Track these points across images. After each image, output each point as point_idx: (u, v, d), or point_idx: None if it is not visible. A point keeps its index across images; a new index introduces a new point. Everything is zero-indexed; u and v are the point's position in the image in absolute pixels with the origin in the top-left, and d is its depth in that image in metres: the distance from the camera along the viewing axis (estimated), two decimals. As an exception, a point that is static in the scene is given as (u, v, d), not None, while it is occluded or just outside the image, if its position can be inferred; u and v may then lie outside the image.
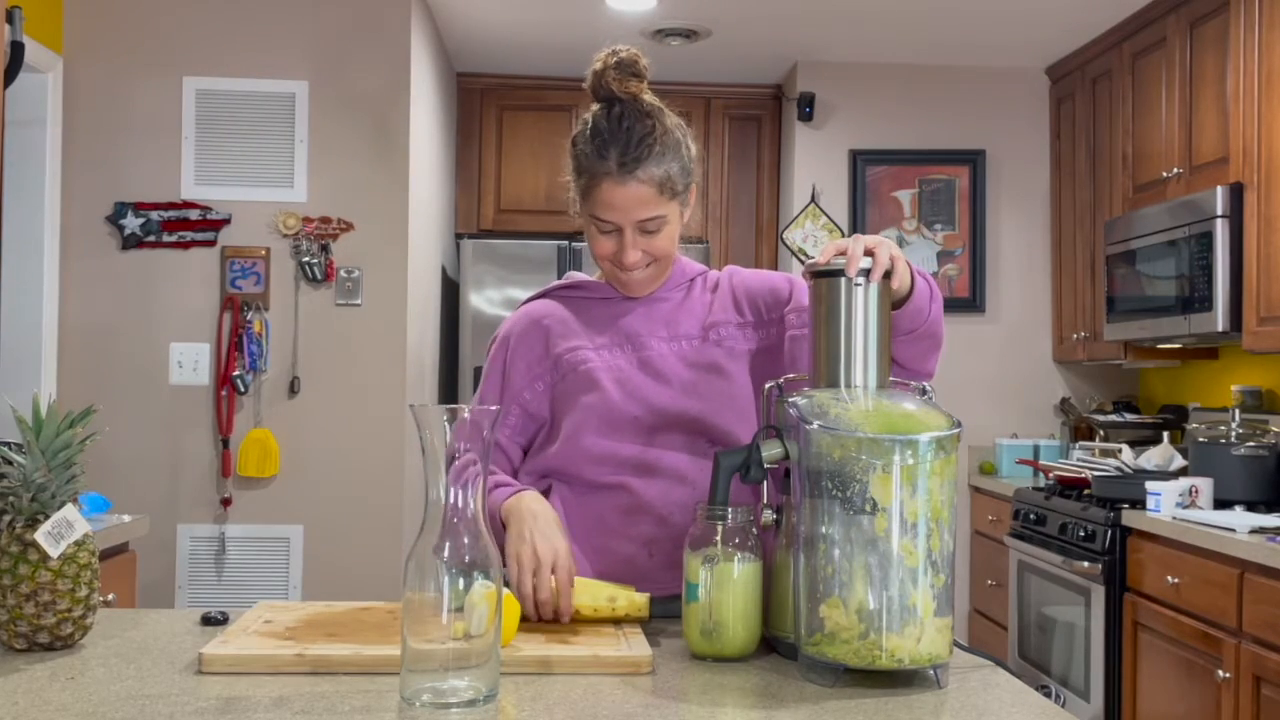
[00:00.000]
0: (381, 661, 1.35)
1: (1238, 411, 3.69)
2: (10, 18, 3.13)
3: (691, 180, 1.75)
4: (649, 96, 1.73)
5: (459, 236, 5.16)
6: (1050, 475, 4.27)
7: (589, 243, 1.77)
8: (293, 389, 3.87)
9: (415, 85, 4.01)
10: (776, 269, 5.24)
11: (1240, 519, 3.14)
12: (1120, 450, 4.05)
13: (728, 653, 1.45)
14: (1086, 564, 3.66)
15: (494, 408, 1.29)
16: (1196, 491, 3.43)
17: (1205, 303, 3.65)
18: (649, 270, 1.76)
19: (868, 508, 1.32)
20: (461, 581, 1.22)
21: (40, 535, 1.44)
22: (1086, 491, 3.91)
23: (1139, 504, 3.55)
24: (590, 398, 1.72)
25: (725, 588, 1.44)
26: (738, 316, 1.80)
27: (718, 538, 1.46)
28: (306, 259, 3.83)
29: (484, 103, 5.26)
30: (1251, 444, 3.50)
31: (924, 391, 1.51)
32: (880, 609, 1.31)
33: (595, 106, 1.74)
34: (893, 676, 1.35)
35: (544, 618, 1.55)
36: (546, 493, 1.75)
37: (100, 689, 1.29)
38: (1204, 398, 4.43)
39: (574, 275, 1.89)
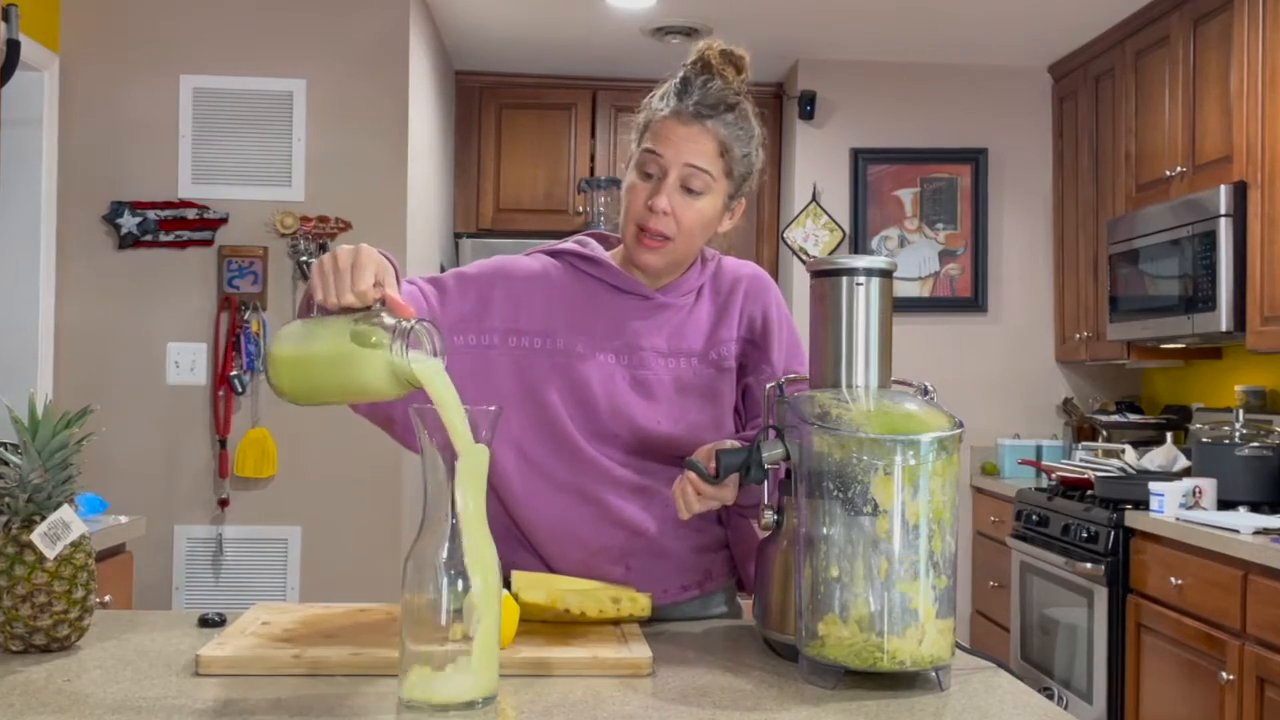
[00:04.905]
0: (380, 663, 1.34)
1: (1241, 412, 3.68)
2: (6, 15, 3.12)
3: (746, 185, 1.71)
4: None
5: (458, 235, 5.15)
6: (1053, 476, 4.26)
7: (624, 198, 1.67)
8: (292, 389, 3.85)
9: (414, 83, 4.00)
10: (777, 268, 5.24)
11: (1244, 520, 3.13)
12: (1123, 451, 4.04)
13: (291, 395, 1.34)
14: (1089, 565, 3.65)
15: (493, 408, 1.27)
16: (1200, 492, 3.41)
17: (1209, 302, 3.64)
18: (668, 247, 1.66)
19: (869, 509, 1.30)
20: (460, 583, 1.21)
21: (36, 536, 1.44)
22: (1089, 492, 3.90)
23: (1142, 505, 3.54)
24: (578, 408, 1.67)
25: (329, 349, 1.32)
26: (739, 332, 1.76)
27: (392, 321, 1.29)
28: (304, 258, 3.82)
29: (483, 101, 5.25)
30: (1255, 444, 3.49)
31: (925, 391, 1.50)
32: (882, 610, 1.30)
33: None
34: (894, 678, 1.34)
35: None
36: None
37: (97, 691, 1.28)
38: (1207, 398, 4.42)
39: (592, 245, 1.76)
